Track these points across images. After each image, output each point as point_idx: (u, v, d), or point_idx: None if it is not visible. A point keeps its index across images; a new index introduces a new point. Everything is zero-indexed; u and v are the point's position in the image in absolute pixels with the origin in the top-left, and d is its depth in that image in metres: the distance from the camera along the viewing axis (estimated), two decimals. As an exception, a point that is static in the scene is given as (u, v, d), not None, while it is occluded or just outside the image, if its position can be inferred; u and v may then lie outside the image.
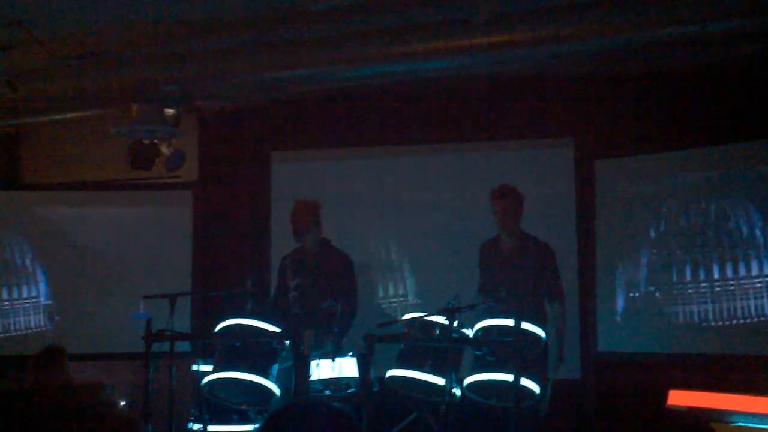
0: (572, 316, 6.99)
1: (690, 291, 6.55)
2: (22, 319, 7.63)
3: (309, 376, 5.54)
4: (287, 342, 5.72)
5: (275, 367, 5.69)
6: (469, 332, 5.60)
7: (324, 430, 2.04)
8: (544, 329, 5.59)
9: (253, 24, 6.28)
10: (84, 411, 3.92)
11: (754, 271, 6.30)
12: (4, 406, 3.98)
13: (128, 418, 3.67)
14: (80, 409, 3.94)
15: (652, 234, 6.77)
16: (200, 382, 5.70)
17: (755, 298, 6.28)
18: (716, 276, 6.46)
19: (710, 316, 6.43)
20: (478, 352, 5.46)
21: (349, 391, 5.67)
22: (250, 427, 5.83)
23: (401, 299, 7.46)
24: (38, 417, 3.92)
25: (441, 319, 5.51)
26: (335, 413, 2.11)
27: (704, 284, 6.52)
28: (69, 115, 7.16)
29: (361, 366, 5.68)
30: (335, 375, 5.67)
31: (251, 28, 6.34)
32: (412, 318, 5.76)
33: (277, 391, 5.60)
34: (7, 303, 7.63)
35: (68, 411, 3.95)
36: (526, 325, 5.33)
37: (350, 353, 5.74)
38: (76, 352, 6.43)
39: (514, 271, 5.94)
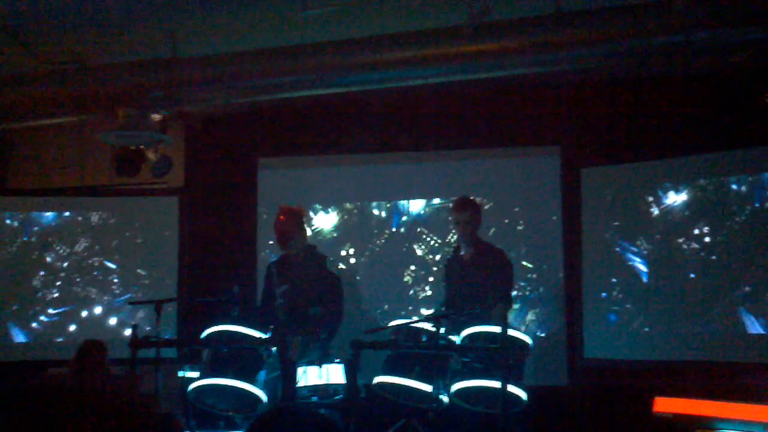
0: (559, 323, 7.03)
1: (676, 299, 6.58)
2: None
3: (296, 383, 5.53)
4: (274, 348, 5.71)
5: (262, 374, 5.68)
6: (456, 339, 5.61)
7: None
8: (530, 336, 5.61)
9: (240, 30, 6.28)
10: (123, 406, 3.88)
11: (739, 280, 6.33)
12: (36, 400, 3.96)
13: (170, 416, 3.62)
14: (118, 404, 3.90)
15: (638, 242, 6.80)
16: (187, 388, 5.67)
17: (740, 307, 6.31)
18: (702, 284, 6.50)
19: (696, 323, 6.46)
20: (465, 359, 5.48)
21: (336, 397, 5.65)
22: (236, 433, 5.82)
23: (387, 306, 7.46)
24: (74, 411, 3.89)
25: (428, 326, 5.52)
26: (320, 420, 2.10)
27: (690, 292, 6.55)
28: (55, 121, 7.12)
29: (348, 372, 5.66)
30: (322, 381, 5.65)
31: (238, 35, 6.33)
32: (399, 325, 5.76)
33: (264, 397, 5.58)
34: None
35: (105, 405, 3.91)
36: (512, 332, 5.34)
37: (337, 360, 5.73)
38: (62, 359, 6.41)
39: (473, 280, 6.01)
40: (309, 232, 6.72)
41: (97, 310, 7.56)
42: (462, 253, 6.21)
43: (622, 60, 5.91)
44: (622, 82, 6.85)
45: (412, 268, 7.48)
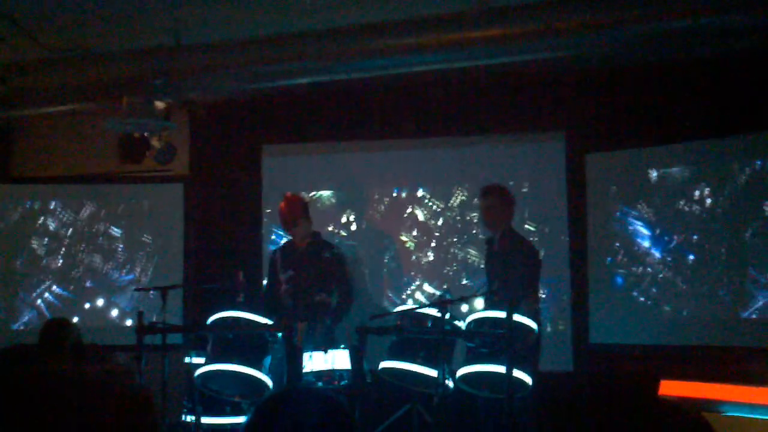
0: (564, 308, 7.03)
1: (681, 283, 6.58)
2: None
3: (301, 368, 5.54)
4: (279, 334, 5.72)
5: (268, 359, 5.68)
6: (462, 324, 5.62)
7: (316, 418, 2.03)
8: (536, 321, 5.61)
9: (243, 18, 6.27)
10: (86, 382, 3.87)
11: (744, 264, 6.33)
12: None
13: (141, 393, 3.57)
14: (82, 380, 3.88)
15: (643, 227, 6.80)
16: (193, 374, 5.69)
17: (746, 290, 6.31)
18: (708, 268, 6.50)
19: (701, 308, 6.47)
20: (470, 344, 5.48)
21: (342, 383, 5.67)
22: (243, 419, 5.83)
23: (394, 291, 7.47)
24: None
25: (433, 311, 5.52)
26: (328, 400, 2.11)
27: (695, 277, 6.55)
28: (59, 109, 7.12)
29: (354, 358, 5.68)
30: (328, 367, 5.67)
31: (242, 22, 6.32)
32: (405, 310, 5.77)
33: (269, 383, 5.60)
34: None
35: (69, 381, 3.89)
36: (518, 317, 5.34)
37: (343, 345, 5.74)
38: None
39: (501, 268, 5.96)
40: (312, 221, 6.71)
41: (103, 295, 7.60)
42: (494, 240, 6.11)
43: (627, 45, 5.89)
44: (627, 68, 6.83)
45: (414, 233, 7.49)
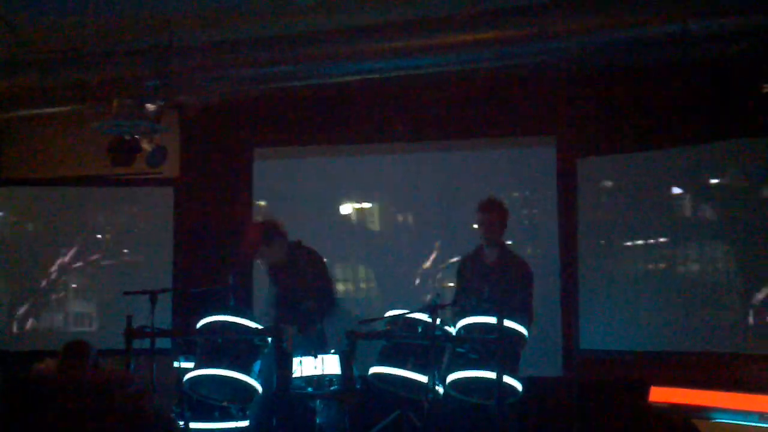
0: (554, 314, 7.02)
1: (672, 288, 6.58)
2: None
3: (291, 373, 5.52)
4: (269, 339, 5.70)
5: (257, 364, 5.66)
6: (452, 330, 5.60)
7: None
8: (526, 327, 5.60)
9: (236, 19, 6.26)
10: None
11: (737, 269, 6.33)
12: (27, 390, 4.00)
13: (136, 395, 3.62)
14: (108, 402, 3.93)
15: (634, 232, 6.80)
16: (182, 379, 5.66)
17: (738, 296, 6.32)
18: (698, 274, 6.50)
19: (692, 313, 6.46)
20: (460, 350, 5.47)
21: (332, 388, 5.64)
22: (232, 424, 5.80)
23: (381, 296, 7.46)
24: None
25: (424, 317, 5.50)
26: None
27: (686, 282, 6.55)
28: (49, 110, 7.09)
29: (344, 363, 5.66)
30: (318, 372, 5.64)
31: (235, 24, 6.30)
32: (395, 315, 5.75)
33: (259, 388, 5.57)
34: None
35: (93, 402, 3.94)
36: (508, 323, 5.33)
37: (333, 350, 5.72)
38: (54, 349, 6.37)
39: (495, 283, 5.90)
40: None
41: (91, 299, 7.56)
42: (486, 253, 6.08)
43: (619, 49, 5.89)
44: (619, 72, 6.83)
45: (406, 237, 7.50)
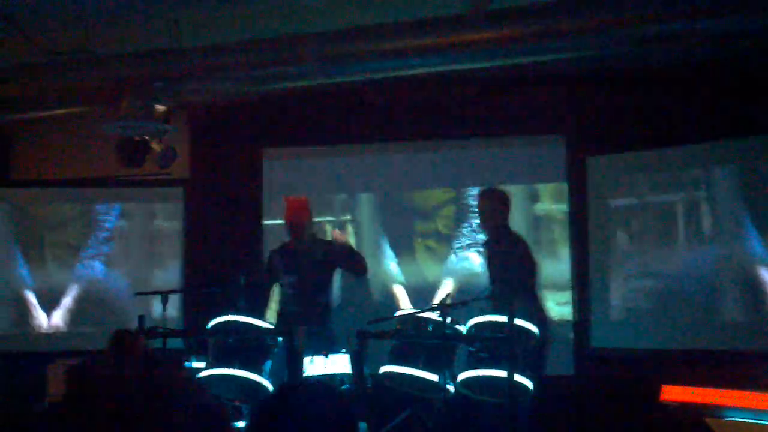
0: (566, 312, 7.01)
1: (683, 287, 6.55)
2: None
3: (302, 372, 5.52)
4: (280, 338, 5.70)
5: (269, 364, 5.67)
6: (463, 328, 5.59)
7: (319, 410, 2.03)
8: (537, 326, 5.58)
9: (243, 20, 6.26)
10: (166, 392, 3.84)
11: (747, 267, 6.31)
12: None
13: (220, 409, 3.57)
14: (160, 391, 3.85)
15: (645, 230, 6.78)
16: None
17: (749, 294, 6.29)
18: (710, 272, 6.47)
19: (704, 311, 6.44)
20: (471, 349, 5.46)
21: (343, 387, 5.65)
22: (243, 423, 5.81)
23: (393, 296, 7.44)
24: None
25: (434, 316, 5.50)
26: (331, 393, 2.12)
27: (698, 280, 6.52)
28: (58, 112, 7.10)
29: (355, 362, 5.66)
30: (328, 371, 5.65)
31: (242, 25, 6.31)
32: (406, 314, 5.74)
33: (270, 387, 5.58)
34: None
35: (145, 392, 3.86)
36: (519, 322, 5.31)
37: (343, 350, 5.72)
38: (67, 349, 6.41)
39: (500, 267, 5.97)
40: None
41: (103, 300, 7.58)
42: (490, 241, 6.21)
43: (626, 48, 5.87)
44: (629, 70, 6.81)
45: (417, 236, 7.49)
